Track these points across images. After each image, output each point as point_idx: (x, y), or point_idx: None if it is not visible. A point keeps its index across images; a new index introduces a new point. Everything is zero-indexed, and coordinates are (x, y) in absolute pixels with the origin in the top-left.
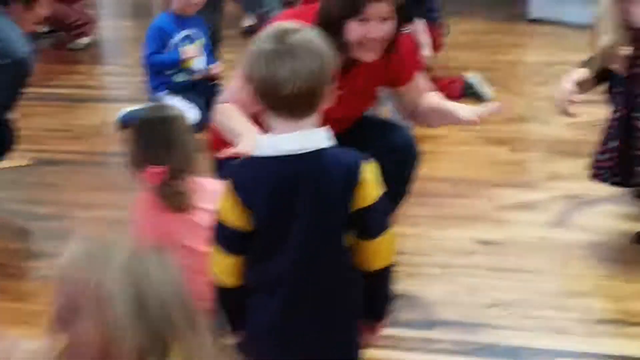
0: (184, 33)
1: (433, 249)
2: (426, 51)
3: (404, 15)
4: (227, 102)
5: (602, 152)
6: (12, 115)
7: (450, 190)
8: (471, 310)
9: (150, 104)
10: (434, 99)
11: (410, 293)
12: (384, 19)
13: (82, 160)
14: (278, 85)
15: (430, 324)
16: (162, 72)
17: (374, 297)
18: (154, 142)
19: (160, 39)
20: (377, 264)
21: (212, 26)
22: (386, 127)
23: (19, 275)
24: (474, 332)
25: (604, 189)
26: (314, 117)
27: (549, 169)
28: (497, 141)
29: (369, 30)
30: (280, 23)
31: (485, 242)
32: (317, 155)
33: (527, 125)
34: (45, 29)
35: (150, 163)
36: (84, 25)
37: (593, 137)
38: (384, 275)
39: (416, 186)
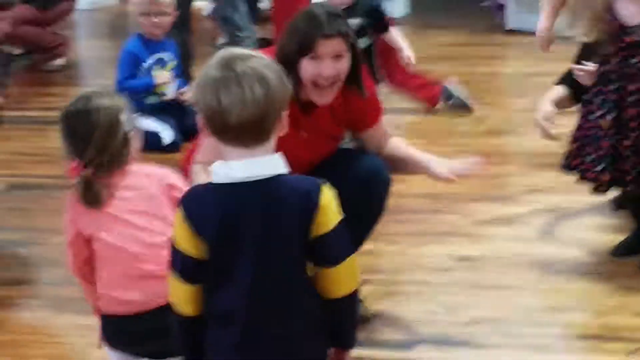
0: (155, 56)
1: (411, 266)
2: (407, 52)
3: (357, 53)
4: (199, 163)
5: (595, 157)
6: None
7: (428, 206)
8: (450, 328)
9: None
10: (401, 146)
11: (387, 312)
12: (337, 57)
13: (55, 185)
14: (223, 114)
15: (409, 344)
16: (133, 97)
17: (338, 325)
18: (72, 134)
19: (132, 64)
20: (339, 291)
21: (182, 45)
22: (352, 155)
23: None
24: (454, 351)
25: (584, 201)
26: (267, 144)
27: (527, 182)
28: (473, 155)
29: (322, 68)
30: (231, 49)
31: (464, 259)
32: (270, 182)
33: (505, 137)
34: (19, 50)
35: (72, 156)
36: (58, 47)
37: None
38: (347, 302)
39: (394, 203)
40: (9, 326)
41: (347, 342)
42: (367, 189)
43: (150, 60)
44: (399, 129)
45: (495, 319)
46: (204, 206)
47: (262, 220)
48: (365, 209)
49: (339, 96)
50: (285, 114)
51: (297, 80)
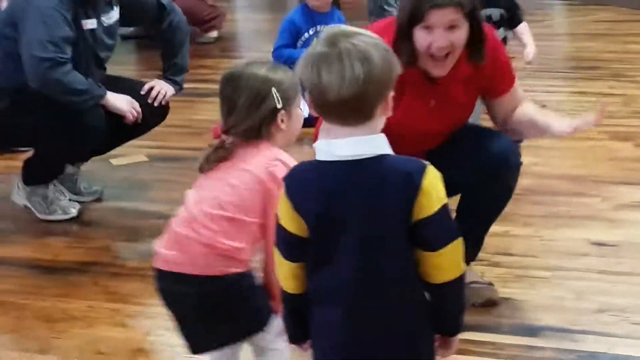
0: (317, 28)
1: (543, 250)
2: (530, 49)
3: (478, 22)
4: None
5: None
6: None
7: (567, 188)
8: (578, 316)
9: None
10: (528, 109)
11: (515, 297)
12: (451, 27)
13: (198, 157)
14: (323, 90)
15: (534, 331)
16: (288, 66)
17: (442, 311)
18: (222, 97)
19: (291, 33)
20: (440, 277)
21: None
22: (482, 135)
23: (122, 275)
24: (579, 339)
25: None
26: (371, 124)
27: None
28: (621, 136)
29: (434, 38)
30: (339, 26)
31: (599, 244)
32: (372, 162)
33: None
34: None
35: (221, 119)
36: (214, 19)
37: None
38: (449, 289)
39: (533, 183)
40: (137, 299)
41: (451, 328)
42: (497, 175)
43: (311, 32)
44: (545, 107)
45: (625, 308)
46: (306, 183)
47: (363, 200)
48: (493, 194)
49: (468, 64)
50: (390, 95)
51: (414, 50)
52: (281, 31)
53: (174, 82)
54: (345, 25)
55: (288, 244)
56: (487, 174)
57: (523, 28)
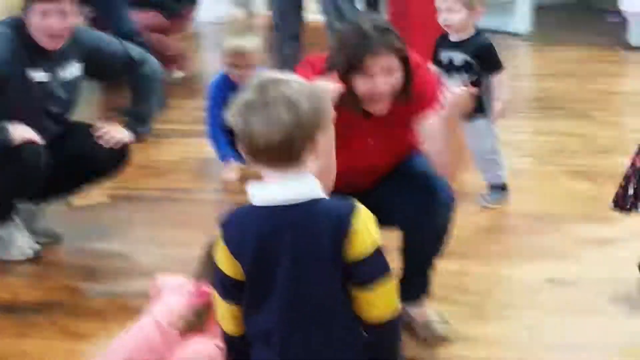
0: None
1: (500, 287)
2: (500, 104)
3: (408, 64)
4: None
5: None
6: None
7: (526, 226)
8: (532, 353)
9: None
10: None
11: (470, 333)
12: (389, 71)
13: (159, 197)
14: (252, 137)
15: None
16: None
17: (376, 349)
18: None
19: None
20: (374, 315)
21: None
22: (418, 173)
23: (80, 314)
24: None
25: None
26: (301, 167)
27: None
28: (580, 175)
29: (375, 84)
30: (269, 73)
31: (556, 281)
32: (305, 205)
33: (614, 157)
34: None
35: None
36: (178, 59)
37: None
38: (384, 326)
39: (492, 222)
40: (93, 338)
41: None
42: (427, 212)
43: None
44: (506, 147)
45: (579, 345)
46: (241, 228)
47: (296, 244)
48: (426, 231)
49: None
50: (319, 139)
51: (352, 92)
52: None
53: (132, 130)
54: (274, 72)
55: (225, 287)
56: (418, 212)
57: (497, 80)
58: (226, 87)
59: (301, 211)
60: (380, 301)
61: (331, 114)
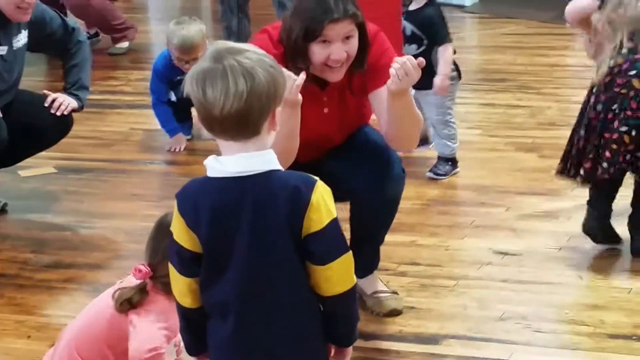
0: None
1: (449, 259)
2: (441, 78)
3: (364, 31)
4: None
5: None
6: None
7: (473, 198)
8: (481, 324)
9: None
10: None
11: (420, 306)
12: (346, 38)
13: (107, 169)
14: (209, 106)
15: (438, 339)
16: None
17: (334, 323)
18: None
19: (162, 82)
20: (331, 290)
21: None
22: (369, 146)
23: (28, 286)
24: (482, 347)
25: (628, 198)
26: (259, 140)
27: None
28: (526, 147)
29: (331, 51)
30: (224, 43)
31: (503, 253)
32: (261, 177)
33: (559, 130)
34: (86, 32)
35: None
36: (126, 29)
37: None
38: (340, 301)
39: (438, 194)
40: (43, 310)
41: (345, 339)
42: (379, 185)
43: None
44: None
45: (526, 316)
46: (198, 199)
47: (253, 215)
48: (377, 203)
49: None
50: (277, 110)
51: (307, 61)
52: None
53: (77, 98)
54: (230, 42)
55: (182, 259)
56: (370, 184)
57: (441, 51)
58: (171, 66)
59: (258, 182)
60: (336, 276)
61: (289, 89)
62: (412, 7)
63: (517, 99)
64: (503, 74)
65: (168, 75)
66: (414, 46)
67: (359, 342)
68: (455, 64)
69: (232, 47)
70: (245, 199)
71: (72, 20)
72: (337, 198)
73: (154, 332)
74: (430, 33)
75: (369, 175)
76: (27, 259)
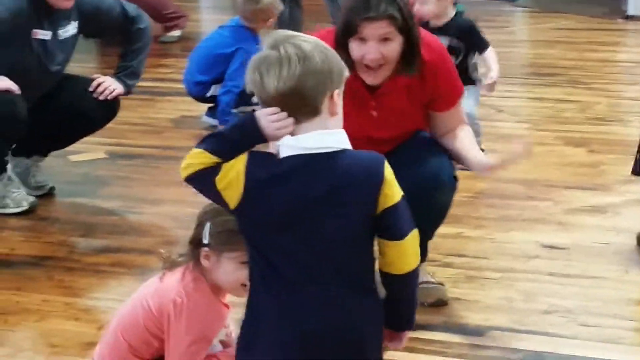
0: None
1: (495, 252)
2: (493, 74)
3: (413, 36)
4: None
5: None
6: None
7: (520, 191)
8: (526, 316)
9: None
10: (460, 139)
11: (465, 297)
12: (385, 39)
13: (157, 155)
14: (265, 88)
15: (482, 330)
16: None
17: (396, 306)
18: None
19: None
20: (405, 266)
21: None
22: (421, 151)
23: (77, 269)
24: (526, 339)
25: None
26: (321, 121)
27: (625, 172)
28: (575, 142)
29: (367, 50)
30: (281, 31)
31: (550, 247)
32: (337, 154)
33: (609, 125)
34: None
35: None
36: (177, 18)
37: None
38: (410, 279)
39: (485, 187)
40: (91, 293)
41: (403, 324)
42: (427, 193)
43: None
44: (502, 112)
45: (572, 309)
46: (270, 170)
47: (330, 191)
48: (424, 210)
49: (415, 75)
50: (336, 93)
51: (350, 59)
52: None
53: (124, 84)
54: (286, 30)
55: (209, 189)
56: (418, 191)
57: (489, 53)
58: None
59: (334, 159)
60: (411, 250)
61: (344, 75)
62: (438, 22)
63: (566, 93)
64: (553, 68)
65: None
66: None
67: None
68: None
69: (288, 34)
70: (323, 174)
71: (133, 6)
72: None
73: (183, 347)
74: (471, 41)
75: (419, 181)
76: (76, 242)
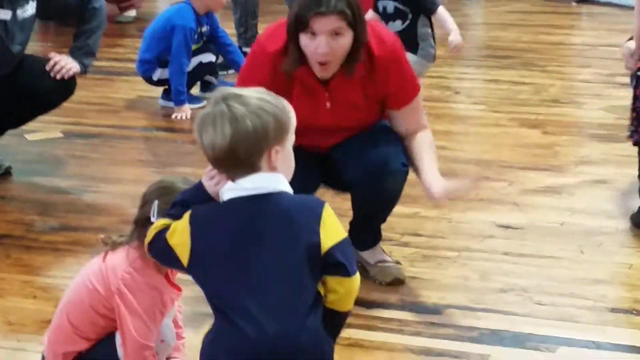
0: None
1: (451, 231)
2: (454, 41)
3: (361, 32)
4: None
5: None
6: None
7: (475, 172)
8: (482, 295)
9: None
10: (422, 146)
11: (422, 276)
12: (334, 34)
13: (114, 135)
14: (205, 148)
15: (439, 308)
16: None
17: (333, 332)
18: None
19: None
20: (349, 305)
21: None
22: (373, 139)
23: (34, 248)
24: (483, 317)
25: (634, 175)
26: (262, 172)
27: (579, 154)
28: (530, 123)
29: (317, 45)
30: (227, 89)
31: (505, 226)
32: (275, 195)
33: (563, 107)
34: None
35: None
36: None
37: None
38: (346, 317)
39: (442, 167)
40: (49, 271)
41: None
42: (376, 180)
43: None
44: (459, 94)
45: (527, 288)
46: (214, 222)
47: (270, 232)
48: (374, 196)
49: (367, 70)
50: (274, 150)
51: (302, 52)
52: (183, 42)
53: (80, 63)
54: (232, 88)
55: (164, 256)
56: (369, 179)
57: (442, 14)
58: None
59: (273, 200)
60: (354, 289)
61: (287, 130)
62: None
63: (521, 75)
64: (508, 50)
65: (194, 30)
66: (398, 22)
67: (361, 310)
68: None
69: (231, 92)
70: (264, 215)
71: None
72: (339, 188)
73: (143, 329)
74: (414, 4)
75: (368, 168)
76: (33, 220)
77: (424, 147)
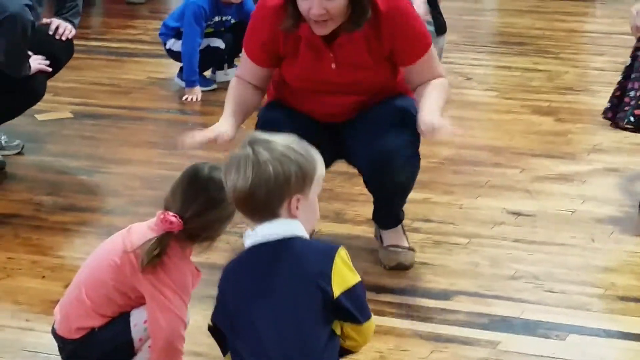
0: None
1: (462, 218)
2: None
3: None
4: (236, 77)
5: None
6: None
7: (487, 159)
8: (492, 281)
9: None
10: (429, 87)
11: (433, 262)
12: None
13: (124, 116)
14: (228, 190)
15: (449, 294)
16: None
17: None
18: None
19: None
20: (360, 347)
21: None
22: (382, 123)
23: (43, 227)
24: (493, 304)
25: None
26: (280, 223)
27: (592, 141)
28: (542, 110)
29: (311, 4)
30: (257, 133)
31: (516, 213)
32: (292, 241)
33: (576, 95)
34: None
35: None
36: None
37: None
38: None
39: (453, 153)
40: (57, 252)
41: None
42: (383, 169)
43: (217, 19)
44: (471, 80)
45: (538, 275)
46: (234, 271)
47: (288, 272)
48: (384, 185)
49: (372, 27)
50: (295, 198)
51: (299, 13)
52: (193, 19)
53: (72, 23)
54: (262, 133)
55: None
56: (377, 169)
57: None
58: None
59: (286, 246)
60: (369, 333)
61: (311, 179)
62: None
63: (534, 62)
64: (521, 37)
65: (208, 15)
66: None
67: (371, 295)
68: (433, 17)
69: (260, 136)
70: (274, 263)
71: None
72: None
73: (180, 304)
74: None
75: (375, 159)
76: (43, 200)
77: (430, 88)
